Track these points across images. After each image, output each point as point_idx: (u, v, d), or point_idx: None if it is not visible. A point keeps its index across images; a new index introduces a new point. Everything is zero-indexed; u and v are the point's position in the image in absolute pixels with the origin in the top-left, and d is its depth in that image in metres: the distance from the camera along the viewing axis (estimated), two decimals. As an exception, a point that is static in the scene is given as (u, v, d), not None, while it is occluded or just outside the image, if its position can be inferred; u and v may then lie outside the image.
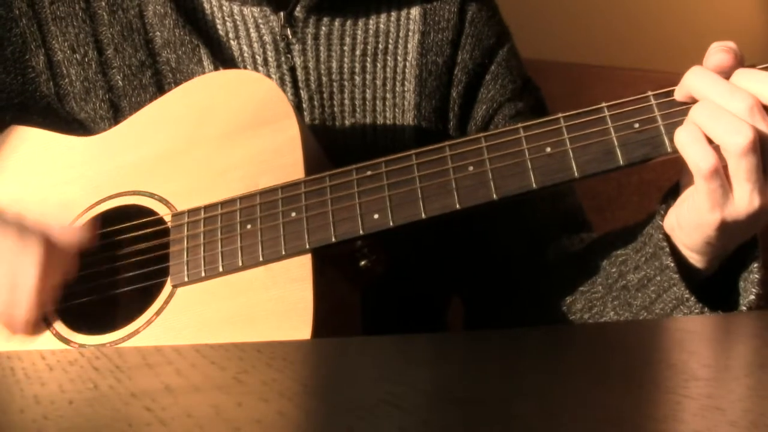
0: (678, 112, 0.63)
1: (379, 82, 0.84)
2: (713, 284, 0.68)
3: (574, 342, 0.57)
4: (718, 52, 0.62)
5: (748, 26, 1.84)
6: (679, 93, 0.64)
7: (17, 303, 0.67)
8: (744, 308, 0.66)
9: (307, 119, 0.81)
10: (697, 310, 0.66)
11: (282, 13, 0.82)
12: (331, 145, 0.76)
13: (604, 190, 1.40)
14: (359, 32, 0.85)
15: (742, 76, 0.61)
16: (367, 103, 0.83)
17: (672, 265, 0.66)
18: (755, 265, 0.66)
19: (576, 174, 0.64)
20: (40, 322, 0.70)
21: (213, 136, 0.72)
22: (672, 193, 0.68)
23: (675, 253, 0.67)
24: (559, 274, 0.80)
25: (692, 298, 0.66)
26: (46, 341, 0.69)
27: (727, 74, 0.62)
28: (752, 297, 0.66)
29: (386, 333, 0.60)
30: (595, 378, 0.41)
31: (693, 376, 0.39)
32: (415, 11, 0.87)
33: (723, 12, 1.80)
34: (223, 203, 0.69)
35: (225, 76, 0.75)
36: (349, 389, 0.38)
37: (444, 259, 0.88)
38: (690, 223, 0.64)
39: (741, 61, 0.63)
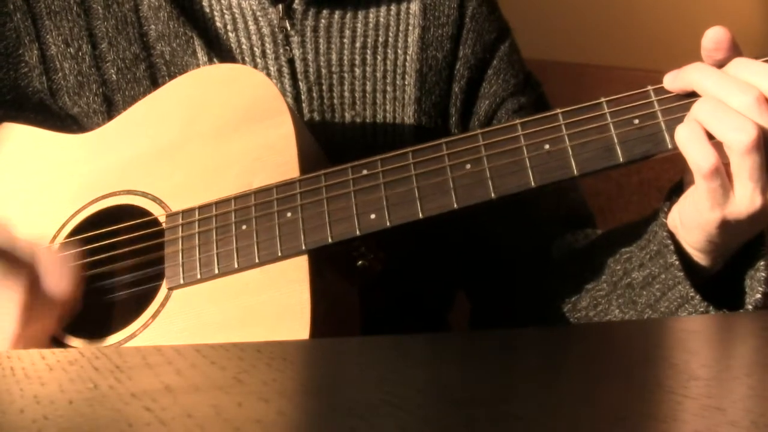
0: (679, 107, 0.62)
1: (379, 75, 0.84)
2: (719, 282, 0.68)
3: (574, 342, 0.57)
4: (715, 32, 0.61)
5: (748, 26, 1.84)
6: (674, 83, 0.62)
7: None
8: (750, 307, 0.65)
9: (305, 111, 0.81)
10: (702, 309, 0.65)
11: (280, 6, 0.82)
12: (330, 137, 0.76)
13: (604, 189, 1.40)
14: (359, 25, 0.85)
15: (744, 67, 0.60)
16: (367, 95, 0.83)
17: (677, 263, 0.65)
18: (762, 262, 0.65)
19: (575, 171, 0.63)
20: None
21: (205, 132, 0.71)
22: (676, 189, 0.68)
23: (679, 250, 0.66)
24: (563, 271, 0.80)
25: (697, 297, 0.65)
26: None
27: (724, 57, 0.61)
28: (758, 296, 0.65)
29: (386, 332, 0.60)
30: (595, 377, 0.41)
31: (693, 376, 0.39)
32: (415, 6, 0.87)
33: (723, 12, 1.80)
34: (218, 203, 0.68)
35: (217, 71, 0.74)
36: (349, 389, 0.38)
37: (444, 256, 0.87)
38: (691, 221, 0.63)
39: (736, 46, 0.62)
